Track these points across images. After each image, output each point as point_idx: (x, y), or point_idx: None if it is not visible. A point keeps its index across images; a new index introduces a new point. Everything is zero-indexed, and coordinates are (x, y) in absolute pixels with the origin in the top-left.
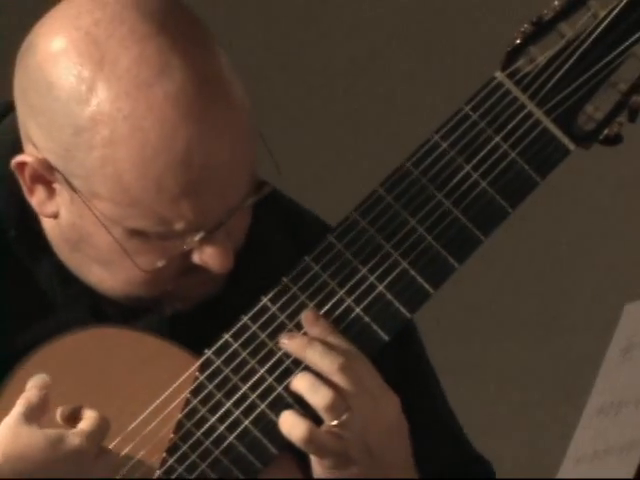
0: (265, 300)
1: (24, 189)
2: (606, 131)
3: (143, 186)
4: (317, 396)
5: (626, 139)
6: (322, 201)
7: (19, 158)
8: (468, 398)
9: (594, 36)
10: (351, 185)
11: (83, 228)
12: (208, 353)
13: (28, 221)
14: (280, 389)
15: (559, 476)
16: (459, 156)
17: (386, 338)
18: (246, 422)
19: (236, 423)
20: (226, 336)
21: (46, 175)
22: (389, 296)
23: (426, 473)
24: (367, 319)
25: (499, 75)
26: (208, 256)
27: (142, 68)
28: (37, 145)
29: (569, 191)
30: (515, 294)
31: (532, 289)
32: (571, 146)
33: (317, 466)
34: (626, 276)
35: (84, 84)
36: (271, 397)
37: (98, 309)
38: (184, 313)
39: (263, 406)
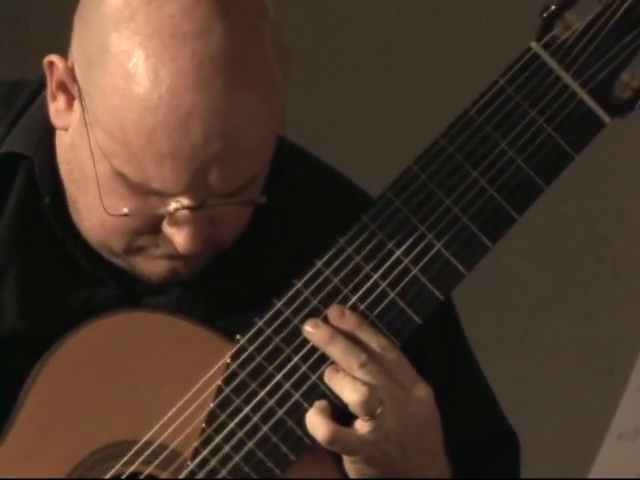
0: (298, 285)
1: (48, 92)
2: None
3: (138, 130)
4: (349, 392)
5: None
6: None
7: (51, 57)
8: (510, 374)
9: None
10: (383, 166)
11: (80, 152)
12: (242, 340)
13: (63, 191)
14: (314, 378)
15: (601, 452)
16: (494, 132)
17: (420, 322)
18: (280, 412)
19: (270, 413)
20: (259, 322)
21: (68, 84)
22: (423, 280)
23: (457, 447)
24: (401, 303)
25: (534, 45)
26: (175, 230)
27: (185, 20)
28: (72, 52)
29: (614, 166)
30: (558, 271)
31: (576, 266)
32: (607, 119)
33: (347, 463)
34: None
35: (128, 10)
36: (305, 386)
37: (127, 286)
38: (213, 289)
39: (297, 396)
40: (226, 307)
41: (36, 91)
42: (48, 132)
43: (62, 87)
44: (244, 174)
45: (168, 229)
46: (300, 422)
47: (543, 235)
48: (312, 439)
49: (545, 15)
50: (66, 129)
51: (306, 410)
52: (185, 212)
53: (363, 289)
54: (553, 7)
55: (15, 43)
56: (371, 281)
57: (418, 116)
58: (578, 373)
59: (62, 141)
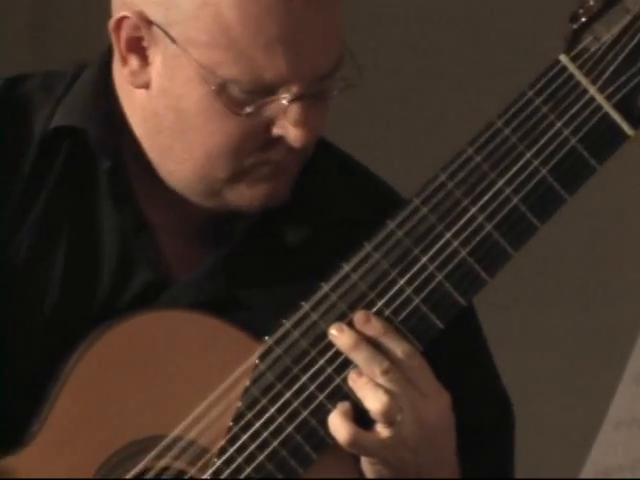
0: (326, 288)
1: (118, 59)
2: None
3: (242, 25)
4: (370, 400)
5: None
6: None
7: (119, 14)
8: (512, 363)
9: None
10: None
11: (173, 91)
12: (270, 342)
13: (121, 157)
14: (339, 380)
15: (599, 437)
16: (520, 142)
17: (442, 327)
18: (305, 413)
19: (295, 414)
20: (287, 324)
21: (143, 33)
22: (447, 286)
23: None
24: (425, 309)
25: (563, 58)
26: (291, 121)
27: None
28: (135, 3)
29: (614, 164)
30: (559, 267)
31: (575, 262)
32: (630, 131)
33: (365, 463)
34: None
35: None
36: (329, 388)
37: (164, 268)
38: (241, 254)
39: (321, 397)
40: (252, 288)
41: (75, 75)
42: (102, 102)
43: (132, 46)
44: (336, 53)
45: (280, 129)
46: (323, 423)
47: (544, 233)
48: (334, 439)
49: (575, 27)
50: (146, 86)
51: (329, 411)
52: (297, 103)
53: (389, 294)
54: (583, 19)
55: (38, 49)
56: (397, 286)
57: (439, 124)
58: (577, 364)
59: (139, 102)
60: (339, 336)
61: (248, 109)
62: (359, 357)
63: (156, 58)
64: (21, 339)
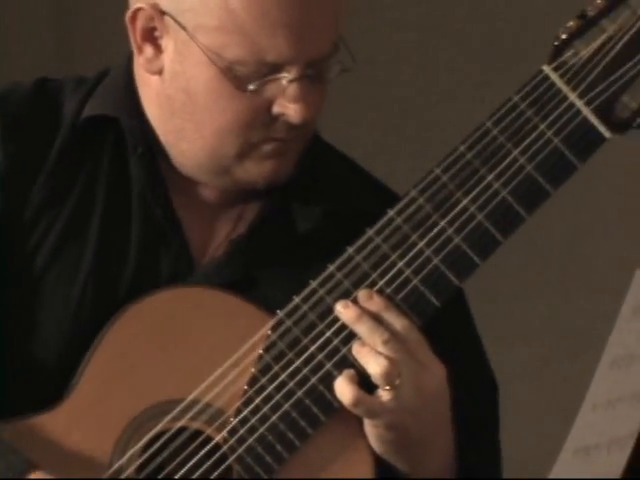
0: (332, 268)
1: (134, 48)
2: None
3: (247, 9)
4: (372, 365)
5: None
6: None
7: (135, 6)
8: (498, 351)
9: (633, 32)
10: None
11: (183, 74)
12: (281, 314)
13: (152, 143)
14: (344, 350)
15: (578, 418)
16: (508, 142)
17: (438, 305)
18: (313, 379)
19: (304, 380)
20: (296, 299)
21: (156, 23)
22: (443, 268)
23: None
24: (423, 288)
25: (546, 68)
26: (289, 102)
27: None
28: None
29: (594, 166)
30: (541, 262)
31: (557, 257)
32: (607, 134)
33: (368, 427)
34: (638, 244)
35: None
36: (336, 357)
37: (189, 255)
38: (256, 239)
39: (329, 365)
40: (266, 271)
41: (100, 76)
42: (129, 94)
43: (146, 36)
44: (333, 38)
45: (280, 107)
46: (330, 388)
47: (529, 230)
48: (340, 403)
49: (557, 43)
50: (160, 72)
51: (336, 378)
52: (296, 83)
53: (389, 274)
54: (564, 36)
55: (63, 42)
56: (397, 268)
57: (434, 131)
58: (558, 351)
59: (154, 88)
60: (344, 311)
61: (252, 86)
62: (362, 329)
63: (168, 45)
64: (54, 319)
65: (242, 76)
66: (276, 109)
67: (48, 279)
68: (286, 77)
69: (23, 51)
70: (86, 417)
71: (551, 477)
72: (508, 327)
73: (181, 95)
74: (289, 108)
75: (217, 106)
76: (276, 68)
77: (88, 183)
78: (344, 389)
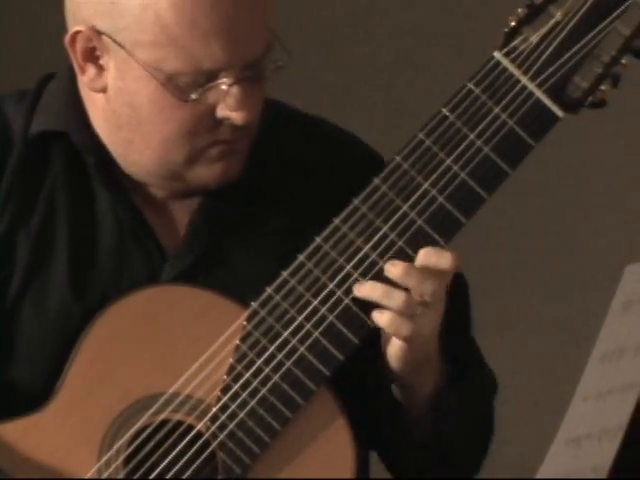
0: (301, 258)
1: (76, 69)
2: (591, 98)
3: (179, 23)
4: (393, 299)
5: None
6: None
7: (73, 29)
8: (492, 345)
9: (579, 16)
10: None
11: (126, 89)
12: (254, 305)
13: (103, 150)
14: (316, 334)
15: (570, 410)
16: (465, 126)
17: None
18: (288, 364)
19: (279, 366)
20: (269, 290)
21: (95, 44)
22: (427, 229)
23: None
24: (408, 251)
25: (497, 54)
26: (230, 107)
27: None
28: (85, 18)
29: (572, 158)
30: (533, 259)
31: (550, 257)
32: (560, 113)
33: (392, 342)
34: (627, 241)
35: None
36: (309, 341)
37: (159, 248)
38: (213, 216)
39: (302, 349)
40: (230, 242)
41: (38, 87)
42: (75, 108)
43: (87, 56)
44: (265, 39)
45: (223, 111)
46: (304, 371)
47: (523, 228)
48: (319, 383)
49: (507, 30)
50: (104, 90)
51: (308, 358)
52: (235, 86)
53: (374, 239)
54: (513, 23)
55: None
56: (382, 232)
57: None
58: (550, 345)
59: (100, 104)
60: (393, 269)
61: (193, 95)
62: (412, 281)
63: (109, 64)
64: (36, 329)
65: (183, 86)
66: (219, 113)
67: (25, 298)
68: (225, 82)
69: None
70: (71, 416)
71: (544, 466)
72: (503, 322)
73: (126, 109)
74: (232, 112)
75: (161, 117)
76: (214, 75)
77: (49, 196)
78: (369, 286)
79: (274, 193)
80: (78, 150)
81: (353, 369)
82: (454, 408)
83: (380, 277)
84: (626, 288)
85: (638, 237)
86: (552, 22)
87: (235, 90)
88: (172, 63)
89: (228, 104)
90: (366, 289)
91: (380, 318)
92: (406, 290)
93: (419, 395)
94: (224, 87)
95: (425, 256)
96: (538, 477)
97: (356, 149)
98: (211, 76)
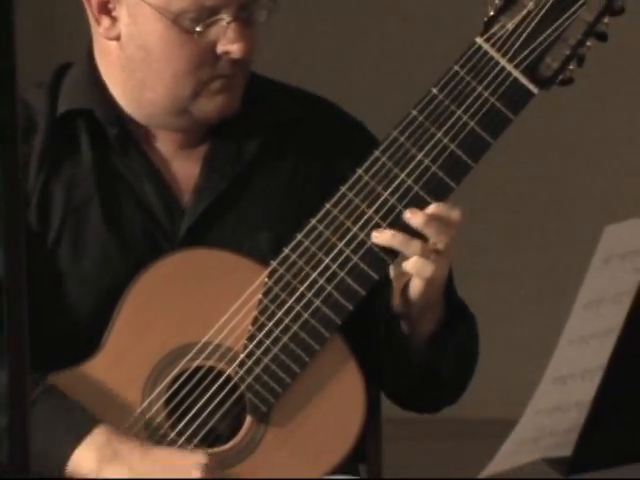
0: (313, 222)
1: (92, 21)
2: (561, 76)
3: None
4: (411, 247)
5: None
6: None
7: None
8: (485, 294)
9: (549, 5)
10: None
11: (138, 32)
12: (274, 264)
13: (123, 121)
14: (330, 288)
15: (556, 352)
16: (452, 103)
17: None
18: (305, 315)
19: (297, 316)
20: (286, 250)
21: None
22: (422, 194)
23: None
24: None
25: (479, 40)
26: (232, 38)
27: None
28: None
29: (569, 144)
30: (525, 217)
31: (538, 216)
32: (535, 90)
33: (415, 280)
34: (606, 204)
35: None
36: (323, 294)
37: (170, 206)
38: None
39: (317, 302)
40: (240, 186)
41: (59, 71)
42: (96, 86)
43: (102, 9)
44: None
45: (223, 46)
46: (319, 320)
47: (515, 195)
48: (329, 333)
49: (486, 19)
50: (118, 37)
51: (324, 310)
52: (233, 24)
53: (376, 204)
54: (492, 12)
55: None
56: (383, 198)
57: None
58: (540, 293)
59: (114, 55)
60: (412, 217)
61: (198, 28)
62: (431, 230)
63: (121, 13)
64: (75, 268)
65: (189, 23)
66: (220, 48)
67: (60, 252)
68: (224, 19)
69: None
70: (119, 363)
71: (533, 401)
72: (497, 273)
73: (140, 52)
74: (231, 44)
75: (172, 53)
76: (215, 11)
77: (76, 161)
78: (387, 235)
79: (279, 143)
80: (98, 128)
81: (357, 313)
82: (451, 339)
83: (398, 222)
84: (605, 245)
85: (617, 200)
86: (525, 11)
87: (233, 26)
88: (179, 2)
89: (228, 37)
90: (386, 237)
91: (407, 262)
92: (422, 238)
93: (424, 328)
94: (224, 23)
95: (438, 209)
96: (528, 410)
97: (341, 113)
98: (213, 12)
